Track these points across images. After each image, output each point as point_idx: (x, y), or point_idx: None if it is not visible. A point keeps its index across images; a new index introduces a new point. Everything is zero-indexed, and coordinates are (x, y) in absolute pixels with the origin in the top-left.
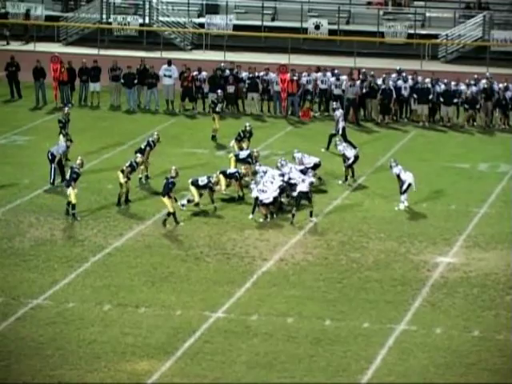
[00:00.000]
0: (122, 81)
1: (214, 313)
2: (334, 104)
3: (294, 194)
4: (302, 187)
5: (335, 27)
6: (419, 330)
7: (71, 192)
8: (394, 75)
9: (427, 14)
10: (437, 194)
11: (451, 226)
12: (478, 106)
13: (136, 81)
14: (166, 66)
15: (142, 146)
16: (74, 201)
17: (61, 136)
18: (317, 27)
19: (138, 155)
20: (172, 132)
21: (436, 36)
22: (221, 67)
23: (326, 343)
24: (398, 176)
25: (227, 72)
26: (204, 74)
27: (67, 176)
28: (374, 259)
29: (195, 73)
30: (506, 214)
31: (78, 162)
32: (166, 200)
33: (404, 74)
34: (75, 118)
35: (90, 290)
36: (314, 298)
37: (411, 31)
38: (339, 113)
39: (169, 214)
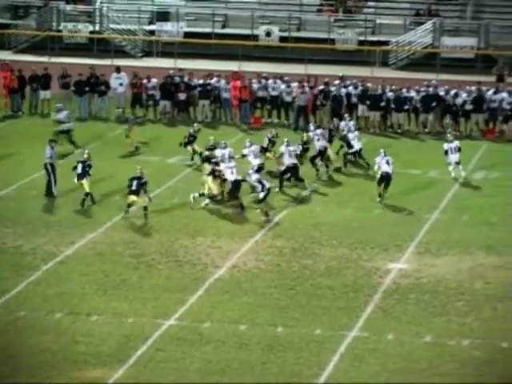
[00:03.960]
0: (73, 88)
1: (166, 320)
2: (311, 126)
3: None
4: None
5: (286, 34)
6: (371, 336)
7: (86, 183)
8: (336, 81)
9: (377, 21)
10: (388, 200)
11: (403, 232)
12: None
13: (87, 88)
14: (115, 74)
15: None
16: (89, 190)
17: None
18: (268, 34)
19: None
20: (123, 139)
21: (386, 43)
22: (171, 74)
23: (278, 350)
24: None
25: (178, 79)
26: (155, 81)
27: (79, 170)
28: (326, 266)
29: (145, 80)
30: (456, 220)
31: (86, 155)
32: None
33: (354, 81)
34: (26, 125)
35: (41, 299)
36: (266, 305)
37: (362, 38)
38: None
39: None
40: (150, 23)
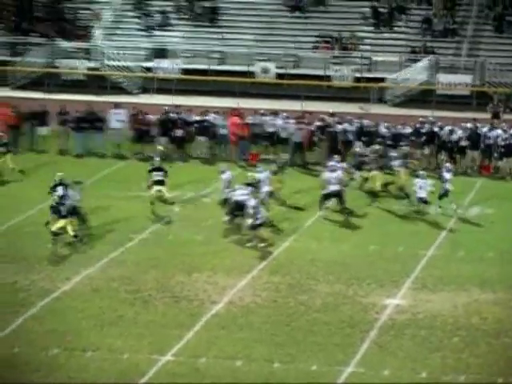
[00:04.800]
0: (71, 125)
1: (162, 356)
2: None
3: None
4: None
5: (283, 71)
6: (367, 371)
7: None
8: (335, 118)
9: (373, 58)
10: (385, 237)
11: (399, 268)
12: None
13: (84, 125)
14: (115, 110)
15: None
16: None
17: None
18: (264, 71)
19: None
20: (120, 175)
21: (382, 79)
22: (167, 111)
23: None
24: (444, 180)
25: (175, 115)
26: (152, 117)
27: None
28: (323, 302)
29: (141, 117)
30: (452, 257)
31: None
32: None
33: (349, 118)
34: (24, 162)
35: (36, 335)
36: (263, 341)
37: (358, 75)
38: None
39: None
40: (148, 60)
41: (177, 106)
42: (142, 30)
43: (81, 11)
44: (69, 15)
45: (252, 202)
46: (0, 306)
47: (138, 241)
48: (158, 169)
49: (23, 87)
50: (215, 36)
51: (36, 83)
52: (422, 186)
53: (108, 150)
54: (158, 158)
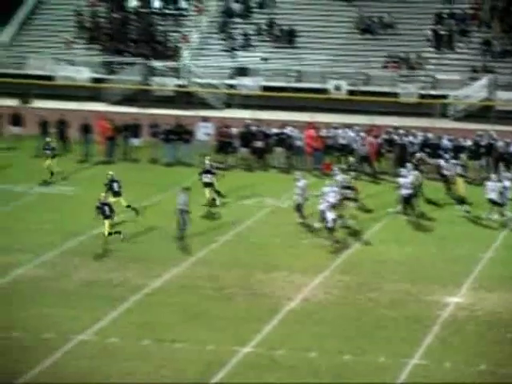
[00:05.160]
0: (161, 137)
1: (243, 347)
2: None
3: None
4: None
5: (354, 88)
6: (430, 363)
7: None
8: (400, 131)
9: (437, 77)
10: (446, 240)
11: (459, 269)
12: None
13: (173, 137)
14: (201, 123)
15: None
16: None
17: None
18: (337, 88)
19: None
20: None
21: (445, 96)
22: (249, 124)
23: (345, 377)
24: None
25: (255, 128)
26: (234, 130)
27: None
28: (389, 299)
29: (225, 129)
30: (509, 259)
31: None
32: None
33: (413, 131)
34: (119, 170)
35: (130, 327)
36: (334, 335)
37: (423, 92)
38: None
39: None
40: (231, 78)
41: (257, 120)
42: (225, 51)
43: (170, 33)
44: (160, 37)
45: (324, 207)
46: (98, 300)
47: (222, 242)
48: (208, 171)
49: (119, 102)
50: (293, 56)
51: (130, 99)
52: (493, 189)
53: (194, 160)
54: (207, 162)
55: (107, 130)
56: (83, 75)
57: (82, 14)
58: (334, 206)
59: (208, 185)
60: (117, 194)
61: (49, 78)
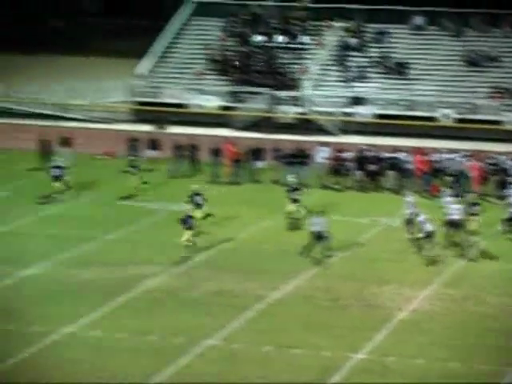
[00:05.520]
0: (283, 160)
1: (356, 354)
2: None
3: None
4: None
5: (461, 116)
6: None
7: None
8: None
9: None
10: None
11: None
12: None
13: (294, 160)
14: (321, 148)
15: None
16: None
17: None
18: (445, 116)
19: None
20: (322, 202)
21: None
22: (364, 149)
23: (453, 383)
24: None
25: (369, 153)
26: (349, 154)
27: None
28: (493, 312)
29: (343, 154)
30: None
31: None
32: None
33: None
34: (245, 190)
35: (253, 334)
36: (440, 343)
37: None
38: None
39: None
40: (347, 106)
41: (371, 145)
42: (342, 82)
43: (292, 66)
44: (282, 69)
45: (421, 218)
46: (224, 308)
47: (339, 258)
48: (295, 189)
49: (245, 128)
50: (404, 86)
51: (255, 125)
52: None
53: (313, 181)
54: (293, 179)
55: (234, 153)
56: (213, 103)
57: (213, 48)
58: (457, 223)
59: (295, 201)
60: (198, 206)
61: (182, 106)
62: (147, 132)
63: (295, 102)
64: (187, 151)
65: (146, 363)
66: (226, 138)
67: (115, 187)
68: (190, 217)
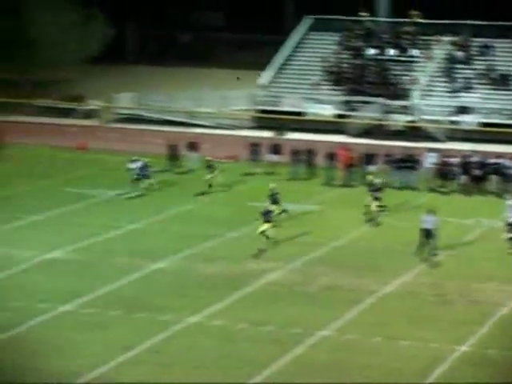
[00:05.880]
0: (393, 164)
1: (459, 346)
2: None
3: None
4: None
5: None
6: None
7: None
8: None
9: None
10: None
11: None
12: None
13: (403, 164)
14: (429, 154)
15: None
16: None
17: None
18: None
19: None
20: (428, 204)
21: None
22: (469, 155)
23: None
24: None
25: (474, 159)
26: (455, 159)
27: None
28: None
29: (450, 159)
30: None
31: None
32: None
33: None
34: (356, 192)
35: (364, 326)
36: None
37: None
38: None
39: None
40: (453, 115)
41: (476, 152)
42: (449, 92)
43: (402, 77)
44: (393, 80)
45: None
46: (336, 302)
47: (445, 256)
48: (378, 189)
49: (358, 135)
50: (507, 97)
51: (367, 132)
52: None
53: (420, 185)
54: (377, 181)
55: (348, 158)
56: (328, 112)
57: (328, 60)
58: None
59: (377, 199)
60: (276, 202)
61: (300, 114)
62: (268, 138)
63: (405, 110)
64: (304, 156)
65: (266, 351)
66: (340, 143)
67: (239, 189)
68: (269, 211)
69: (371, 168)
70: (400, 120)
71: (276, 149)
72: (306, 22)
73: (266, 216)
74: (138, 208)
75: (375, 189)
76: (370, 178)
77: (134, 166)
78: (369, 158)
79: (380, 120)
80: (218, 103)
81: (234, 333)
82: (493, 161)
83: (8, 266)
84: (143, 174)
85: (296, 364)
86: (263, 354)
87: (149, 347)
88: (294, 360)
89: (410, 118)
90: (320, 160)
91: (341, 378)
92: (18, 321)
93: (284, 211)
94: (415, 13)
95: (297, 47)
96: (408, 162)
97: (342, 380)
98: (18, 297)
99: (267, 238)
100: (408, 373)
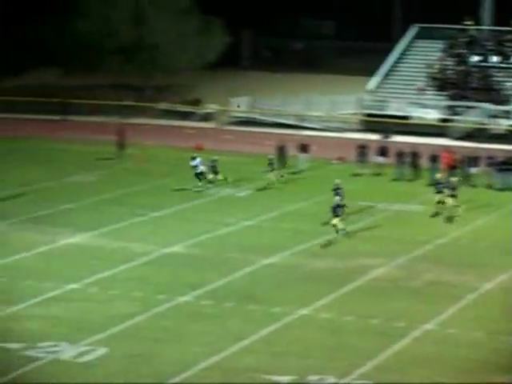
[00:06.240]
0: (495, 167)
1: None
2: None
3: None
4: None
5: None
6: None
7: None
8: None
9: None
10: None
11: None
12: None
13: (505, 167)
14: None
15: None
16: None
17: None
18: None
19: None
20: None
21: None
22: None
23: None
24: None
25: None
26: None
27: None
28: None
29: None
30: None
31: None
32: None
33: None
34: (459, 193)
35: (465, 320)
36: None
37: None
38: None
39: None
40: None
41: None
42: None
43: (504, 83)
44: (495, 86)
45: None
46: (439, 297)
47: None
48: (440, 183)
49: (461, 138)
50: None
51: (470, 136)
52: None
53: None
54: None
55: (451, 160)
56: (432, 116)
57: (433, 67)
58: None
59: (453, 196)
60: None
61: (405, 117)
62: (374, 140)
63: (507, 115)
64: (409, 158)
65: (372, 343)
66: (443, 146)
67: (347, 189)
68: (339, 206)
69: (473, 170)
70: (502, 124)
71: (382, 151)
72: (412, 30)
73: (335, 211)
74: (251, 205)
75: (452, 187)
76: (438, 176)
77: (194, 163)
78: (471, 160)
79: (482, 124)
80: (327, 107)
81: (342, 325)
82: None
83: (130, 259)
84: (201, 170)
85: (400, 356)
86: (369, 346)
87: (261, 337)
88: (398, 352)
89: (510, 123)
90: (424, 162)
91: (442, 370)
92: (140, 310)
93: (344, 206)
94: None
95: (403, 54)
96: (509, 165)
97: (443, 372)
98: (140, 287)
99: (337, 231)
100: (507, 367)
